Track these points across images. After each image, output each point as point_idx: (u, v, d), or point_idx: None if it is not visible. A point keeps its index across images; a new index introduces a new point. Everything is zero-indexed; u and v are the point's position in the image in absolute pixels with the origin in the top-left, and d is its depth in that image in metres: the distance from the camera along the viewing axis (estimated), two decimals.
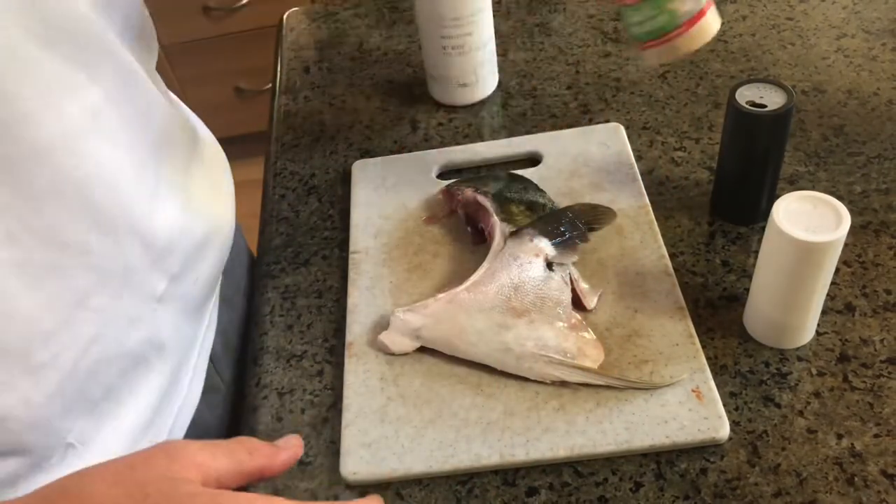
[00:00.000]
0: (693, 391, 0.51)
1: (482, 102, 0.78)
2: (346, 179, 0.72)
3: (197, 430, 0.58)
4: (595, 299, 0.57)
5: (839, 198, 0.50)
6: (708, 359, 0.54)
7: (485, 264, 0.58)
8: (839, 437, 0.50)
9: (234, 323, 0.67)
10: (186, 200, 0.54)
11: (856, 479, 0.48)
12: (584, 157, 0.68)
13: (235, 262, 0.67)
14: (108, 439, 0.48)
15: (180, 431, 0.56)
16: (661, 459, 0.50)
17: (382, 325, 0.58)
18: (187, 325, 0.56)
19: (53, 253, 0.43)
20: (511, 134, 0.74)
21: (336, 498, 0.51)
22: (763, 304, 0.53)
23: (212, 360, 0.61)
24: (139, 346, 0.49)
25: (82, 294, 0.45)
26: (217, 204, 0.60)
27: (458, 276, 0.59)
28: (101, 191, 0.45)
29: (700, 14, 0.55)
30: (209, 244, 0.56)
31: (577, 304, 0.57)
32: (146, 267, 0.49)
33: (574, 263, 0.58)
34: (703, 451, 0.50)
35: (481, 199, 0.62)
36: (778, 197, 0.50)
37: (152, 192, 0.50)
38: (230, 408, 0.65)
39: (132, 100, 0.48)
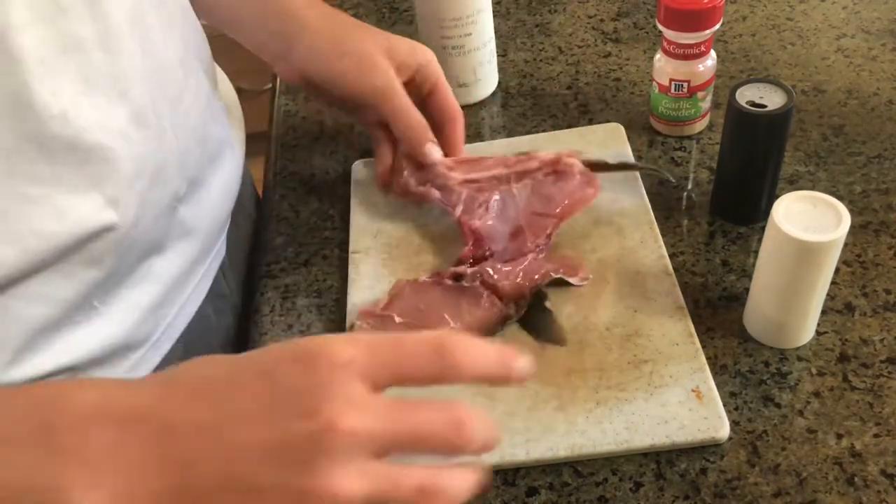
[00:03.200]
0: (693, 391, 0.51)
1: (482, 102, 0.78)
2: (346, 179, 0.72)
3: (202, 329, 0.62)
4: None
5: (839, 198, 0.50)
6: (708, 359, 0.54)
7: None
8: (839, 437, 0.50)
9: (239, 244, 0.71)
10: (205, 114, 0.59)
11: (856, 479, 0.48)
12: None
13: (242, 189, 0.71)
14: (125, 310, 0.52)
15: (186, 319, 0.60)
16: (661, 459, 0.50)
17: None
18: (204, 226, 0.60)
19: (102, 136, 0.46)
20: (511, 134, 0.74)
21: None
22: (763, 304, 0.53)
23: (220, 268, 0.65)
24: (162, 235, 0.54)
25: (127, 180, 0.48)
26: (231, 120, 0.65)
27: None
28: (135, 87, 0.49)
29: None
30: (221, 158, 0.62)
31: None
32: (172, 165, 0.53)
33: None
34: (703, 450, 0.50)
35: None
36: (778, 197, 0.50)
37: (177, 97, 0.54)
38: (235, 322, 0.69)
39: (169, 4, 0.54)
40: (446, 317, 0.55)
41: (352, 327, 0.56)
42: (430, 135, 0.64)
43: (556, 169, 0.62)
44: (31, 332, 0.46)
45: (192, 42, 0.59)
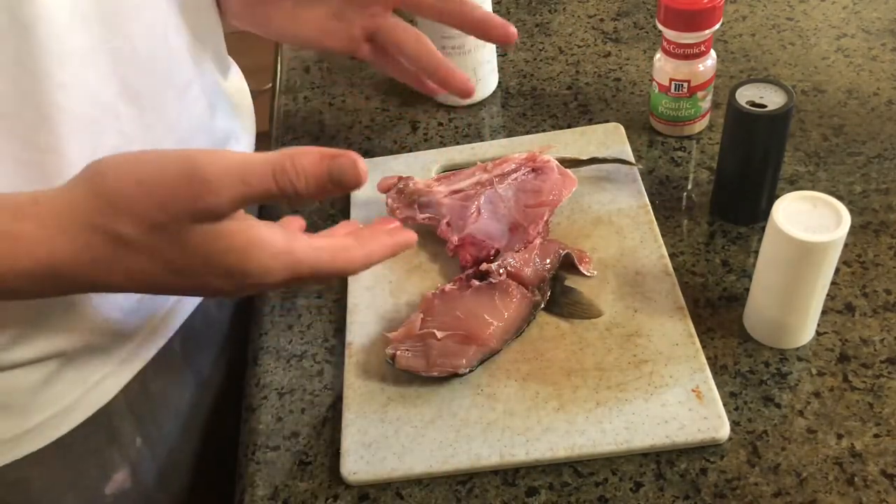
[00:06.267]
0: (693, 391, 0.51)
1: (482, 102, 0.78)
2: None
3: (202, 320, 0.63)
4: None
5: (839, 198, 0.50)
6: (708, 359, 0.54)
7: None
8: (839, 437, 0.50)
9: None
10: (213, 104, 0.59)
11: (856, 479, 0.48)
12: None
13: None
14: (118, 300, 0.53)
15: (185, 312, 0.61)
16: (661, 459, 0.50)
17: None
18: None
19: (91, 109, 0.47)
20: (511, 134, 0.74)
21: (336, 498, 0.51)
22: (763, 304, 0.53)
23: None
24: None
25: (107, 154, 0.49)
26: (237, 113, 0.66)
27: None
28: (129, 67, 0.49)
29: None
30: (227, 146, 0.63)
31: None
32: (170, 147, 0.53)
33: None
34: (703, 451, 0.50)
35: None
36: (778, 197, 0.50)
37: (185, 85, 0.55)
38: (231, 314, 0.70)
39: None
40: (486, 317, 0.55)
41: (393, 358, 0.55)
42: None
43: (534, 167, 0.63)
44: (27, 317, 0.47)
45: (207, 34, 0.59)
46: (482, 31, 0.61)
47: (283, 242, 0.41)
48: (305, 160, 0.39)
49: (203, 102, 0.58)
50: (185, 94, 0.55)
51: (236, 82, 0.69)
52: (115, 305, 0.52)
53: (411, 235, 0.48)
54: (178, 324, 0.59)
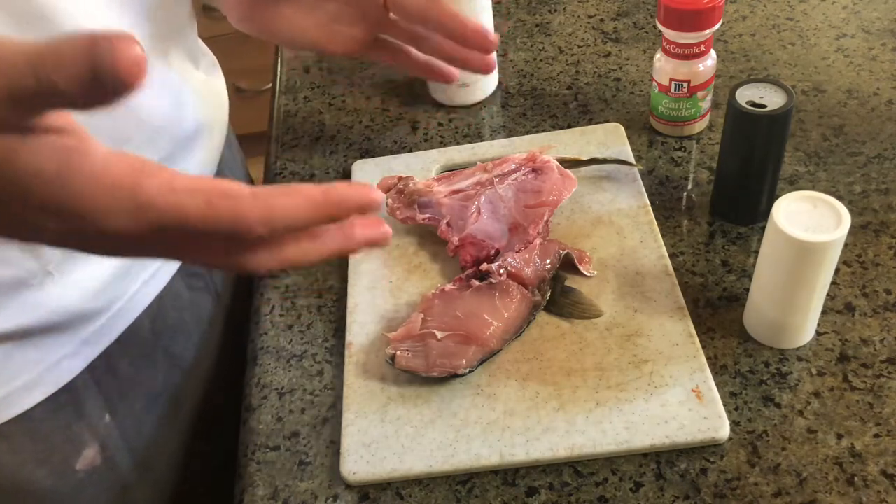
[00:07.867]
0: (693, 391, 0.51)
1: (482, 102, 0.78)
2: (346, 179, 0.72)
3: (172, 304, 0.63)
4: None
5: (839, 198, 0.50)
6: (708, 359, 0.54)
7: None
8: (839, 437, 0.50)
9: None
10: (180, 94, 0.59)
11: (856, 479, 0.48)
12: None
13: (229, 174, 0.73)
14: (82, 280, 0.53)
15: (152, 293, 0.60)
16: (661, 459, 0.50)
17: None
18: None
19: None
20: (511, 134, 0.74)
21: (336, 498, 0.51)
22: (763, 304, 0.53)
23: None
24: None
25: None
26: (208, 106, 0.64)
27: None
28: None
29: None
30: (198, 139, 0.62)
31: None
32: (140, 141, 0.53)
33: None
34: (703, 451, 0.50)
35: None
36: (778, 197, 0.50)
37: (155, 77, 0.53)
38: (212, 302, 0.69)
39: None
40: (487, 318, 0.55)
41: (393, 358, 0.55)
42: None
43: (534, 167, 0.63)
44: None
45: (175, 24, 0.59)
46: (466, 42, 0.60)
47: (128, 174, 0.32)
48: (67, 44, 0.28)
49: (171, 96, 0.58)
50: (150, 88, 0.55)
51: (210, 75, 0.69)
52: (74, 287, 0.52)
53: (374, 195, 0.39)
54: (144, 306, 0.59)
